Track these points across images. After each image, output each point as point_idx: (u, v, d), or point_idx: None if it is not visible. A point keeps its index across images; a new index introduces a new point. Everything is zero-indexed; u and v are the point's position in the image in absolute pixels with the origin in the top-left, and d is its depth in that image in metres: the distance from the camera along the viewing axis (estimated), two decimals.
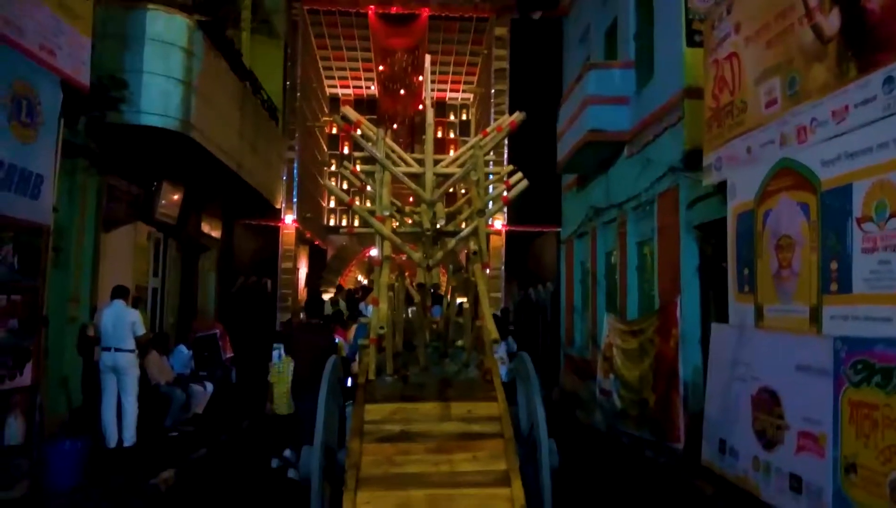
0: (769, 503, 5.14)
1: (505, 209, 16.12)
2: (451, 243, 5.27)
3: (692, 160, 7.44)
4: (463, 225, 5.64)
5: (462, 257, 18.12)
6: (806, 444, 4.67)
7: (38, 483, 5.94)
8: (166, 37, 8.03)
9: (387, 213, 5.20)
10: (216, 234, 12.82)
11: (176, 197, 10.13)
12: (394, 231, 5.28)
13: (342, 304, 13.15)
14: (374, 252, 6.22)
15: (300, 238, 16.96)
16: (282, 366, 7.92)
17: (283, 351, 8.35)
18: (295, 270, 16.45)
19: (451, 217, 6.05)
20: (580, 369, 11.73)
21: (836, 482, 4.27)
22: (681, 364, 7.35)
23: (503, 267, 16.85)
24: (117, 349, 7.20)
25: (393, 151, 5.78)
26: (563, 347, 13.36)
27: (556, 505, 4.02)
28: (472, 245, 5.29)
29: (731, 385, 5.90)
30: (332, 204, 23.71)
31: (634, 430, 8.51)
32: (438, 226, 5.26)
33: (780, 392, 5.11)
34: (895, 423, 3.77)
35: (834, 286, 4.63)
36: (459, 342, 6.05)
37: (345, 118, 5.81)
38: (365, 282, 23.12)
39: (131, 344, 7.27)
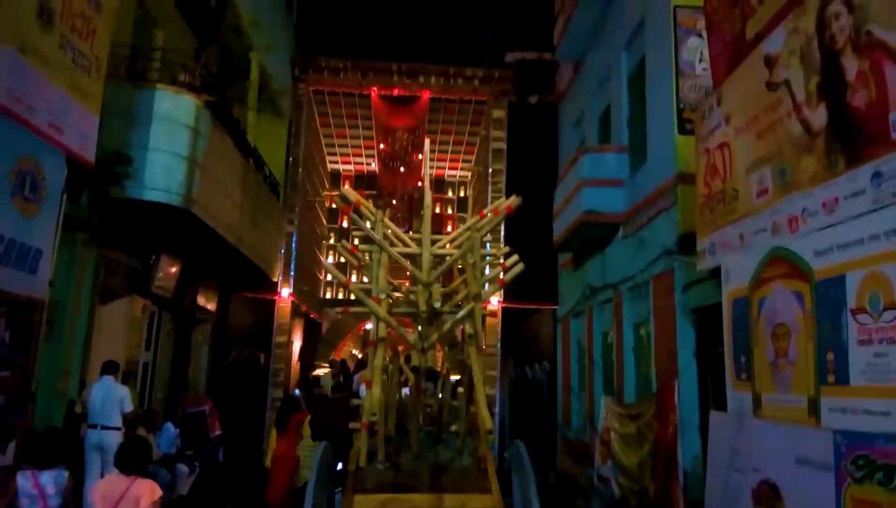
0: None
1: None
2: (447, 324, 5.25)
3: (686, 244, 7.50)
4: (459, 304, 5.63)
5: (458, 333, 18.00)
6: None
7: None
8: (173, 115, 8.24)
9: (383, 295, 5.20)
10: (211, 306, 12.76)
11: (173, 270, 10.15)
12: (389, 310, 5.28)
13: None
14: (369, 326, 6.20)
15: (296, 311, 16.88)
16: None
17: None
18: (289, 343, 16.28)
19: (447, 297, 6.05)
20: (578, 452, 11.45)
21: None
22: (680, 452, 7.18)
23: (499, 344, 16.70)
24: (104, 427, 7.06)
25: (391, 231, 5.84)
26: (560, 429, 13.09)
27: None
28: (468, 328, 5.29)
29: (731, 477, 5.75)
30: (329, 277, 23.75)
31: None
32: (435, 306, 5.26)
33: (780, 486, 4.98)
34: None
35: (831, 378, 4.58)
36: (454, 427, 5.94)
37: (343, 198, 5.90)
38: (360, 356, 22.84)
39: (118, 421, 7.13)
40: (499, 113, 16.00)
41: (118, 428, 7.13)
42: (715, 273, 6.70)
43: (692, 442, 7.17)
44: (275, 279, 14.99)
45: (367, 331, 21.93)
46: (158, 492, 4.66)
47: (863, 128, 4.52)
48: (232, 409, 11.59)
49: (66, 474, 4.99)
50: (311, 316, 20.44)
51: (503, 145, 15.67)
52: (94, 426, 7.06)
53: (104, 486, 4.63)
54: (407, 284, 7.24)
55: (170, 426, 9.21)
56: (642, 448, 8.18)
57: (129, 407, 7.22)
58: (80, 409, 7.22)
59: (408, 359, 7.15)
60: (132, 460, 4.69)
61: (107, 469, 7.06)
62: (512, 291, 15.80)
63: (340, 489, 4.83)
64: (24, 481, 4.85)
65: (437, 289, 5.76)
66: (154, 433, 8.93)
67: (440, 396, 6.08)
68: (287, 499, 8.10)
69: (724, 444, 5.91)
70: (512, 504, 4.73)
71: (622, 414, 9.01)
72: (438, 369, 8.47)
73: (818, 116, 5.00)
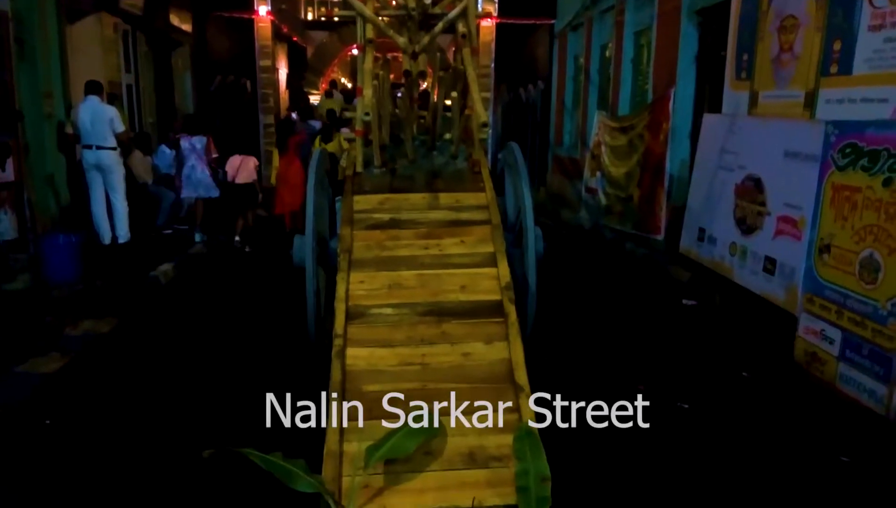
0: (741, 284, 5.42)
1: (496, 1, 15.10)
2: (439, 26, 4.95)
3: None
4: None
5: (450, 55, 17.32)
6: (784, 228, 4.81)
7: (38, 276, 6.14)
8: None
9: None
10: (187, 27, 12.05)
11: None
12: (377, 13, 4.94)
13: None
14: (356, 52, 5.88)
15: (277, 34, 15.99)
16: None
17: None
18: (274, 69, 15.69)
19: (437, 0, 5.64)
20: (568, 169, 11.77)
21: (809, 261, 4.46)
22: (668, 158, 7.34)
23: (493, 65, 16.17)
24: (98, 147, 7.06)
25: None
26: (551, 148, 13.30)
27: (539, 291, 4.21)
28: (461, 28, 4.99)
29: (717, 175, 5.94)
30: None
31: (617, 225, 8.75)
32: (425, 4, 4.91)
33: (764, 179, 5.16)
34: (875, 204, 3.83)
35: (834, 68, 4.47)
36: (447, 136, 5.95)
37: None
38: (350, 85, 22.36)
39: (112, 142, 7.12)
40: None
41: (113, 148, 7.13)
42: None
43: (682, 148, 7.31)
44: None
45: (353, 56, 21.13)
46: (257, 161, 8.60)
47: None
48: (223, 134, 11.56)
49: (205, 138, 8.21)
50: (295, 40, 19.50)
51: None
52: (90, 147, 7.05)
53: (231, 161, 8.36)
54: None
55: (165, 148, 9.26)
56: (631, 159, 8.37)
57: (120, 127, 7.14)
58: (70, 130, 7.16)
59: (396, 86, 6.89)
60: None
61: (109, 189, 7.25)
62: (507, 6, 14.85)
63: (340, 197, 4.98)
64: (184, 141, 8.14)
65: None
66: (151, 156, 9.03)
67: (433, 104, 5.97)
68: (294, 209, 8.48)
69: (714, 144, 6.01)
70: (504, 203, 4.92)
71: (614, 128, 9.05)
72: (428, 87, 8.25)
73: None
